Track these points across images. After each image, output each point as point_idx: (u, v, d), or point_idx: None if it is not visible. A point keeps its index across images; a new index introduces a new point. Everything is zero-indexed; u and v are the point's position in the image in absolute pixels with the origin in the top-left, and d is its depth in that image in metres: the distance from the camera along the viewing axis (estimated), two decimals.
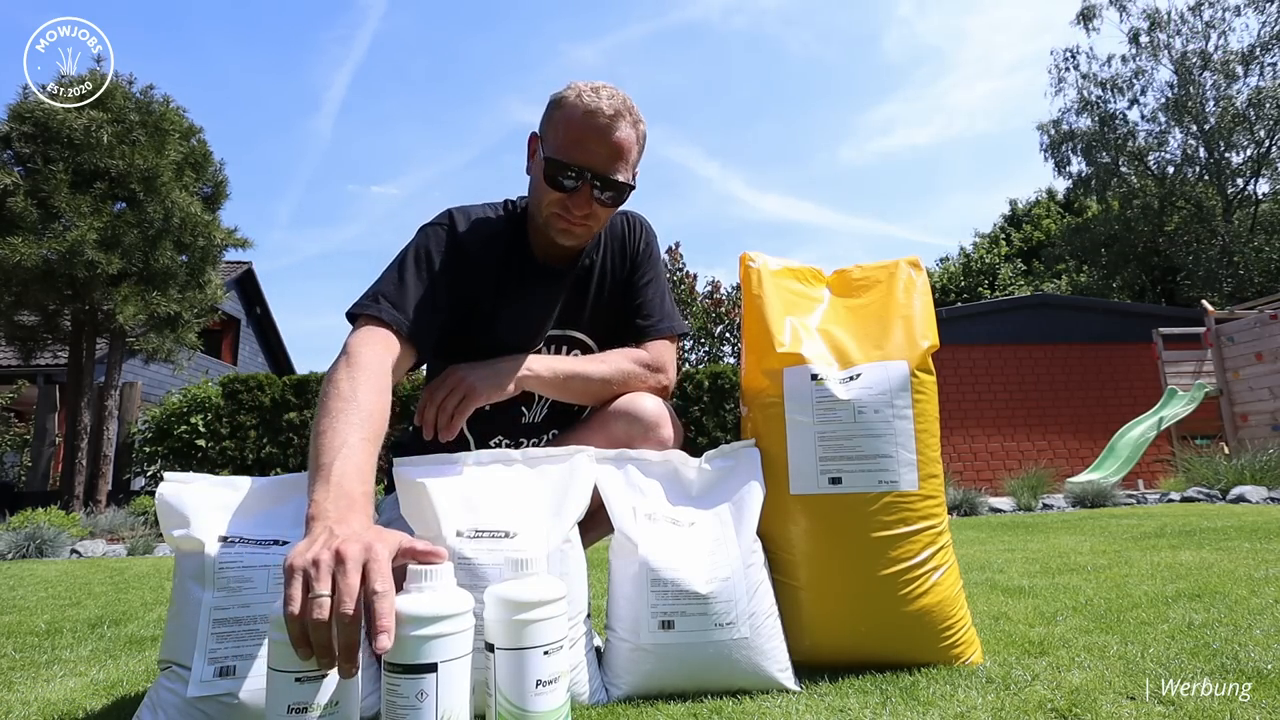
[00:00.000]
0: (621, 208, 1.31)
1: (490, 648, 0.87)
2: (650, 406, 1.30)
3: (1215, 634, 1.25)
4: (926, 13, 45.78)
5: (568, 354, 1.36)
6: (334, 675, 0.78)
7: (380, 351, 1.10)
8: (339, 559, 0.74)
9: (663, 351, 1.39)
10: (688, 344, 16.51)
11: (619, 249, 1.41)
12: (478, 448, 1.32)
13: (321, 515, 0.82)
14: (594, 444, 1.23)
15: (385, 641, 0.71)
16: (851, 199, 51.90)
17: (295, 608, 0.72)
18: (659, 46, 51.75)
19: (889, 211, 51.63)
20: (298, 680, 0.77)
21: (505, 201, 1.38)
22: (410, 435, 1.36)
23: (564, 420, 1.40)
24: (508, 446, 1.35)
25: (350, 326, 1.17)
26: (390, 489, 1.23)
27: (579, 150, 1.20)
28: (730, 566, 1.09)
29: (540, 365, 1.28)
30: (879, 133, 51.36)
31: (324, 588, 0.73)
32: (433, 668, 0.78)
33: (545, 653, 0.85)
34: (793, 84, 52.42)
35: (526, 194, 1.35)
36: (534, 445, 1.37)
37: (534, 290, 1.32)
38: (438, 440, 1.21)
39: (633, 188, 1.26)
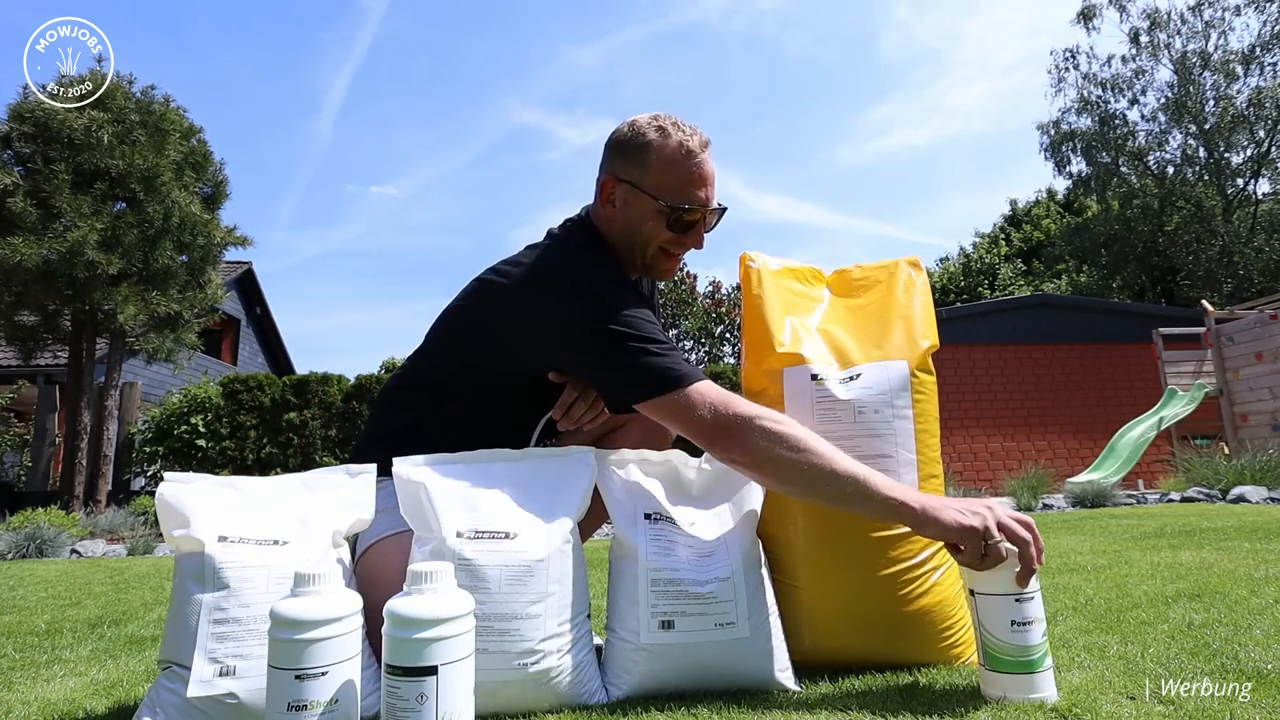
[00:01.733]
0: None
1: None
2: None
3: (1215, 634, 1.25)
4: (923, 15, 45.94)
5: None
6: (334, 673, 0.79)
7: (741, 400, 1.13)
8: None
9: None
10: (688, 344, 16.52)
11: None
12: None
13: (932, 500, 1.03)
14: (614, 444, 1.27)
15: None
16: (850, 200, 51.98)
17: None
18: (658, 48, 51.90)
19: (887, 212, 51.71)
20: (298, 678, 0.78)
21: (583, 240, 1.29)
22: (408, 435, 1.36)
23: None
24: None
25: (678, 389, 1.12)
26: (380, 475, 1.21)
27: (689, 190, 1.23)
28: (730, 566, 1.09)
29: None
30: (877, 133, 51.49)
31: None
32: (433, 670, 0.78)
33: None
34: (791, 85, 52.58)
35: (599, 222, 1.30)
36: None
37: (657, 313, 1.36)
38: (436, 441, 1.20)
39: (726, 210, 1.31)
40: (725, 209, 1.30)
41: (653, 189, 1.23)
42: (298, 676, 0.78)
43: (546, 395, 1.27)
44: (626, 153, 1.24)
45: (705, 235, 1.29)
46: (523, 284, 1.20)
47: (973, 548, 0.98)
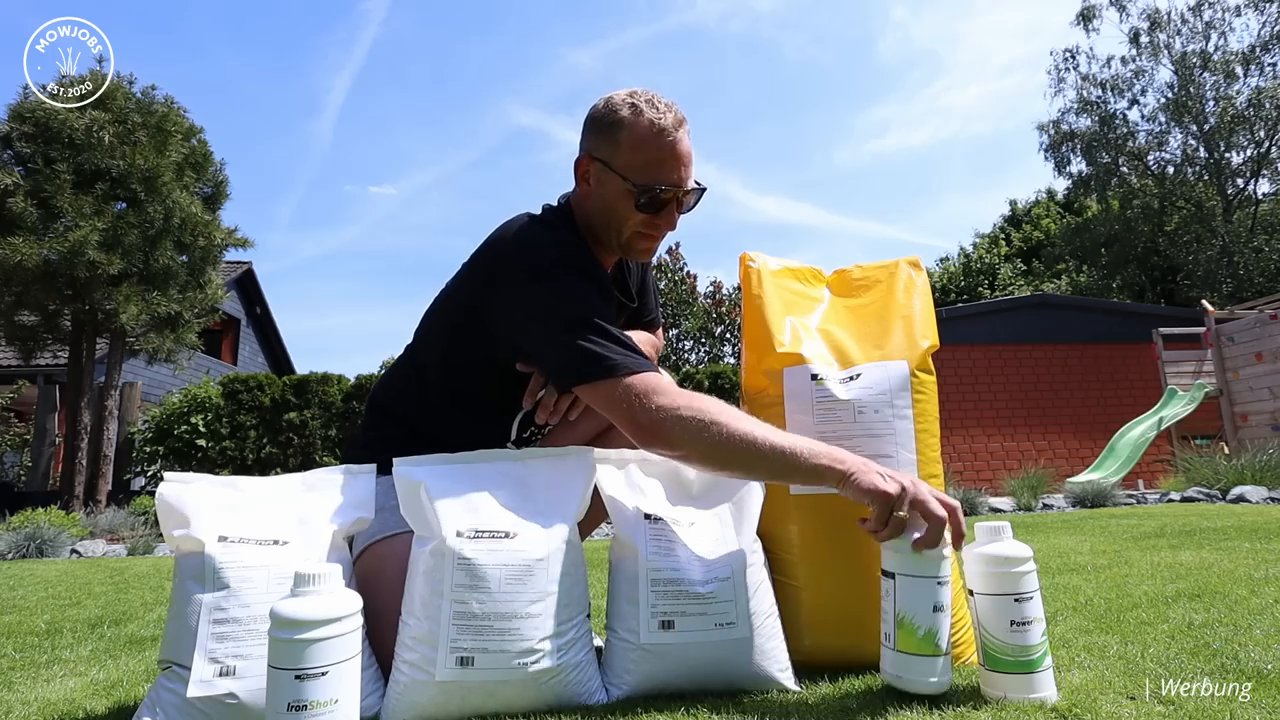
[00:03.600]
0: None
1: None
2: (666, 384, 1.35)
3: (1215, 634, 1.25)
4: (920, 17, 46.03)
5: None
6: (334, 673, 0.79)
7: (666, 382, 1.11)
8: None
9: (659, 337, 1.51)
10: (688, 344, 16.52)
11: None
12: (518, 439, 1.34)
13: (858, 462, 1.02)
14: (592, 427, 1.30)
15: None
16: (848, 200, 52.05)
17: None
18: (656, 50, 51.86)
19: (885, 213, 51.78)
20: (298, 678, 0.78)
21: (547, 219, 1.29)
22: (406, 435, 1.36)
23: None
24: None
25: (575, 386, 1.13)
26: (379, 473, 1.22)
27: (661, 170, 1.20)
28: (730, 567, 1.09)
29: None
30: (875, 135, 51.54)
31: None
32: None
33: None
34: (788, 87, 52.58)
35: (575, 205, 1.30)
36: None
37: (612, 299, 1.33)
38: (437, 440, 1.21)
39: (705, 190, 1.28)
40: (704, 189, 1.26)
41: (623, 169, 1.21)
42: (298, 677, 0.78)
43: (519, 386, 1.27)
44: (600, 130, 1.23)
45: (680, 216, 1.27)
46: (482, 261, 1.23)
47: (878, 512, 0.98)
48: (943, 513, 0.96)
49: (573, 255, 1.20)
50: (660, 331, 1.52)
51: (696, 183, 1.26)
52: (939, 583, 0.96)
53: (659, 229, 1.26)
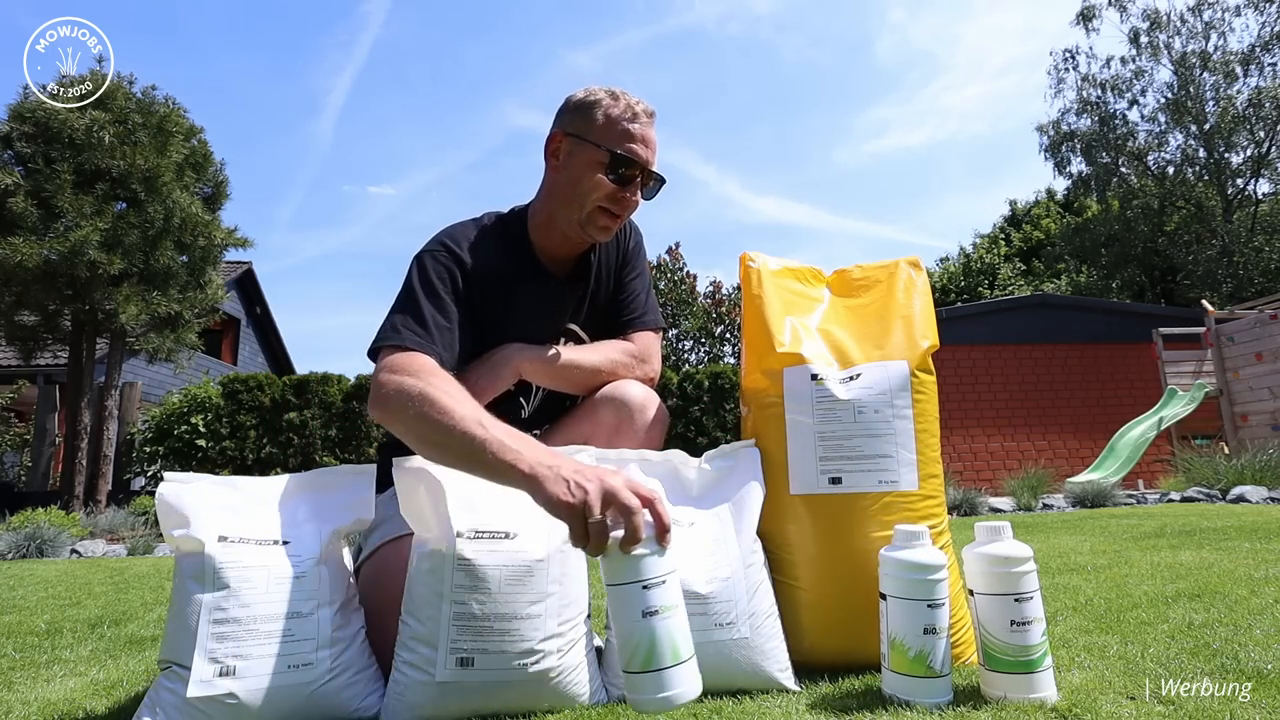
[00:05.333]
0: None
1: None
2: (637, 393, 1.33)
3: (1215, 634, 1.25)
4: (918, 18, 46.11)
5: (564, 345, 1.38)
6: (671, 581, 0.82)
7: (425, 362, 1.11)
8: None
9: (649, 343, 1.43)
10: (688, 344, 16.51)
11: (613, 245, 1.44)
12: None
13: (557, 464, 0.89)
14: (582, 431, 1.28)
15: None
16: (847, 201, 52.11)
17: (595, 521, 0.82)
18: (655, 52, 51.93)
19: (885, 213, 51.85)
20: (644, 588, 0.80)
21: (488, 215, 1.39)
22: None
23: (554, 413, 1.42)
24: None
25: (374, 362, 1.16)
26: (381, 487, 1.23)
27: (632, 144, 1.27)
28: (730, 566, 1.09)
29: (535, 355, 1.30)
30: (873, 135, 51.60)
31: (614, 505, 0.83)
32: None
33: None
34: (787, 88, 52.65)
35: (539, 199, 1.36)
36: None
37: (543, 293, 1.34)
38: None
39: (665, 181, 1.33)
40: (665, 180, 1.32)
41: (597, 139, 1.27)
42: (644, 586, 0.80)
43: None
44: (576, 109, 1.30)
45: (641, 200, 1.31)
46: None
47: (574, 529, 0.83)
48: (635, 501, 0.82)
49: (458, 243, 1.27)
50: (651, 334, 1.44)
51: (660, 174, 1.32)
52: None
53: (621, 205, 1.28)
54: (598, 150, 1.26)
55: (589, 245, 1.38)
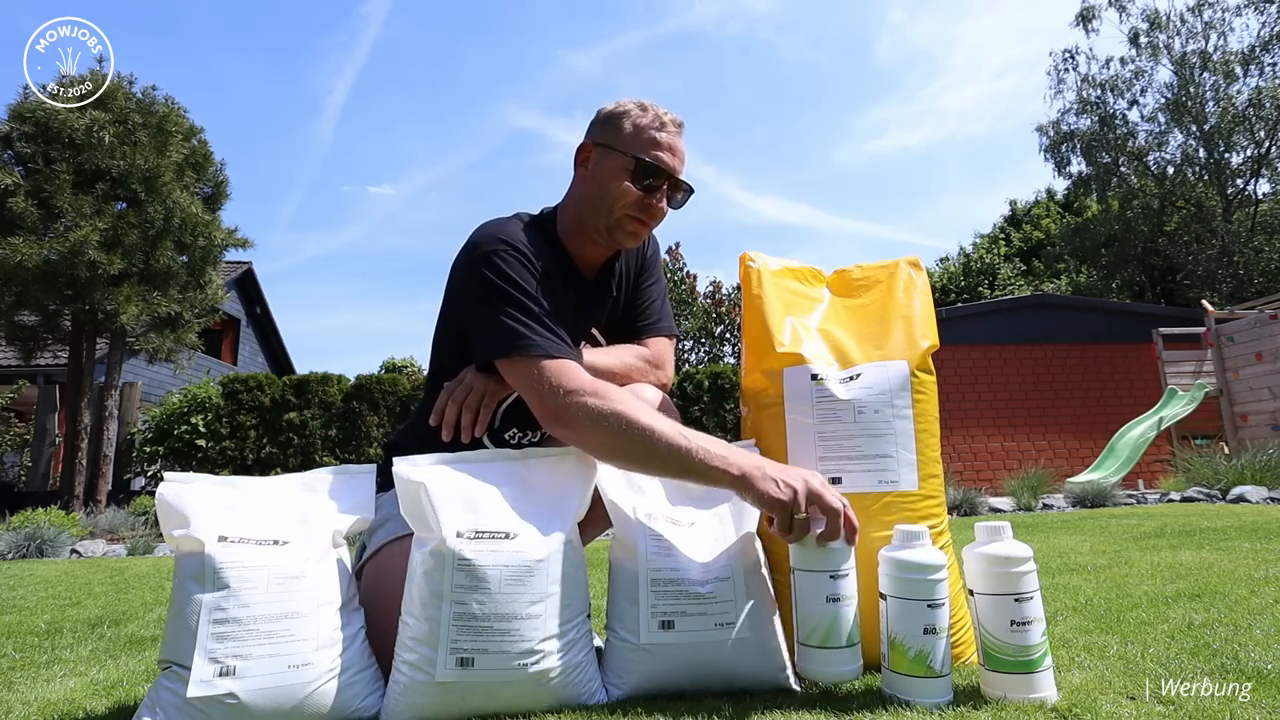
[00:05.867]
0: None
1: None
2: (649, 396, 1.33)
3: (1215, 634, 1.25)
4: (917, 19, 46.18)
5: (581, 347, 1.38)
6: (852, 576, 1.04)
7: (583, 375, 1.15)
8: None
9: (663, 349, 1.43)
10: (687, 344, 16.52)
11: (633, 252, 1.44)
12: (493, 443, 1.33)
13: (762, 464, 1.05)
14: None
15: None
16: (846, 201, 52.12)
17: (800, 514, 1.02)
18: (655, 53, 51.94)
19: (884, 213, 51.87)
20: (832, 577, 1.01)
21: (518, 216, 1.36)
22: (406, 435, 1.37)
23: None
24: (523, 437, 1.37)
25: (510, 363, 1.16)
26: (384, 487, 1.23)
27: (659, 152, 1.27)
28: (730, 567, 1.09)
29: None
30: (872, 135, 51.64)
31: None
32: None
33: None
34: (786, 89, 52.69)
35: (567, 205, 1.35)
36: (545, 436, 1.38)
37: (577, 295, 1.34)
38: (438, 440, 1.22)
39: (693, 191, 1.33)
40: (693, 190, 1.32)
41: (625, 147, 1.27)
42: (832, 576, 1.02)
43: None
44: (606, 120, 1.31)
45: (669, 209, 1.31)
46: (453, 263, 1.30)
47: (780, 519, 1.02)
48: (839, 504, 1.02)
49: (518, 241, 1.23)
50: (666, 340, 1.45)
51: (688, 183, 1.31)
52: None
53: (649, 212, 1.28)
54: (624, 157, 1.26)
55: (616, 251, 1.38)
